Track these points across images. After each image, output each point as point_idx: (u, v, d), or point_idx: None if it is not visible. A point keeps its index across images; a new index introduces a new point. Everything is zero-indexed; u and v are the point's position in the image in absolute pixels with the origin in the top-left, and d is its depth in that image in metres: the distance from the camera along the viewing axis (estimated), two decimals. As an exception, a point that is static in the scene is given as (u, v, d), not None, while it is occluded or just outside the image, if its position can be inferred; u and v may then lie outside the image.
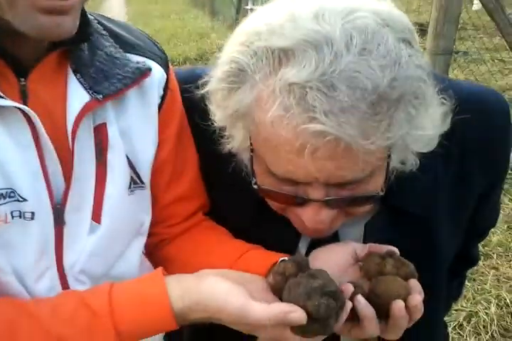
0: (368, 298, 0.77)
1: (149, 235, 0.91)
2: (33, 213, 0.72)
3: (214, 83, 0.78)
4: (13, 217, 0.71)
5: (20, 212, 0.71)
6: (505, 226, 3.07)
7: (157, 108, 0.86)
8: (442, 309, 1.11)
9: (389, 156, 0.76)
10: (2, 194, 0.70)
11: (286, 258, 0.82)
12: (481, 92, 0.95)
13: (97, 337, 0.71)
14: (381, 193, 0.79)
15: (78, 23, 0.71)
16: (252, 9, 6.38)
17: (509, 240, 2.92)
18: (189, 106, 0.91)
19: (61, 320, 0.71)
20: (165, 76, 0.87)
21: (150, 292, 0.74)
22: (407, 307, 0.77)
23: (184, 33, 8.68)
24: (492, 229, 3.07)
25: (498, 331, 2.27)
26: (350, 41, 0.67)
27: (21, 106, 0.70)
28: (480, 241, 1.20)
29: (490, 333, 2.25)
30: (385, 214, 0.91)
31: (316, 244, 0.90)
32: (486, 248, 2.85)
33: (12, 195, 0.71)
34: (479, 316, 2.33)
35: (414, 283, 0.80)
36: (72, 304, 0.72)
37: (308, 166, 0.71)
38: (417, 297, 0.78)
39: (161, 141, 0.87)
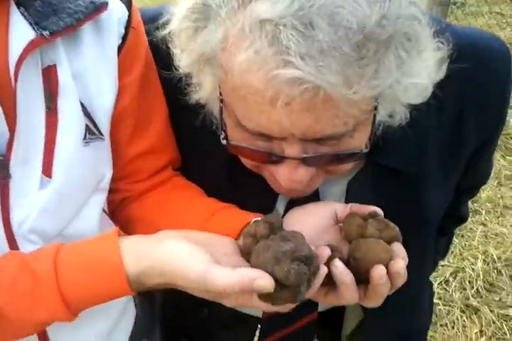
0: (347, 263, 0.71)
1: (112, 192, 0.83)
2: None
3: (176, 22, 0.68)
4: None
5: None
6: (496, 182, 3.03)
7: (117, 49, 0.76)
8: (429, 269, 1.06)
9: (375, 108, 0.67)
10: None
11: (259, 218, 0.74)
12: (482, 38, 0.85)
13: (40, 305, 0.64)
14: (365, 150, 0.70)
15: None
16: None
17: (498, 196, 2.89)
18: (150, 50, 0.81)
19: (0, 286, 0.64)
20: (126, 13, 0.76)
21: (102, 254, 0.66)
22: (388, 273, 0.69)
23: None
24: (481, 185, 3.04)
25: (484, 286, 2.26)
26: None
27: None
28: (470, 198, 1.14)
29: (475, 288, 2.25)
30: (370, 171, 0.83)
31: (295, 203, 0.82)
32: (475, 204, 2.82)
33: None
34: (465, 272, 2.32)
35: (398, 247, 0.72)
36: (13, 268, 0.65)
37: (282, 119, 0.62)
38: (400, 262, 0.70)
39: (122, 86, 0.78)
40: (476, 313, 2.13)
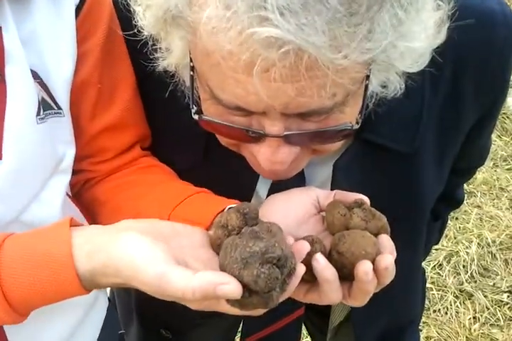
0: (330, 257, 0.62)
1: (74, 173, 0.74)
2: None
3: None
4: None
5: None
6: (491, 163, 2.96)
7: (74, 10, 0.66)
8: (421, 257, 0.99)
9: (367, 77, 0.58)
10: None
11: (234, 205, 0.65)
12: (480, 2, 0.76)
13: None
14: (356, 126, 0.61)
15: None
16: None
17: (494, 178, 2.82)
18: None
19: None
20: None
21: (50, 248, 0.56)
22: (375, 269, 0.61)
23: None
24: (477, 166, 2.98)
25: (478, 270, 2.21)
26: None
27: None
28: (466, 180, 1.07)
29: (469, 273, 2.20)
30: (358, 150, 0.75)
31: (277, 186, 0.73)
32: (470, 186, 2.75)
33: None
34: (460, 255, 2.27)
35: (386, 240, 0.64)
36: None
37: (259, 90, 0.52)
38: (388, 257, 0.61)
39: (81, 54, 0.68)
40: (469, 299, 2.09)
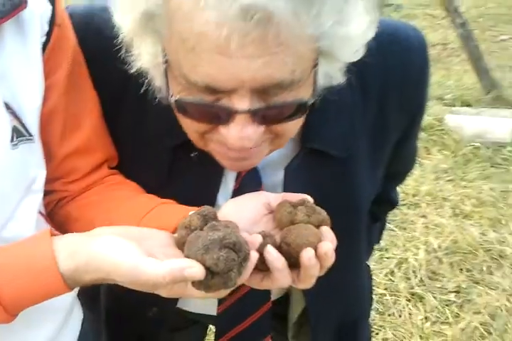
0: (280, 248, 0.73)
1: (47, 193, 0.83)
2: None
3: None
4: None
5: None
6: (433, 176, 3.18)
7: (41, 46, 0.75)
8: (364, 252, 1.12)
9: (316, 65, 0.69)
10: None
11: (193, 212, 0.76)
12: (400, 27, 0.91)
13: None
14: (310, 100, 0.70)
15: None
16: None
17: (437, 189, 3.03)
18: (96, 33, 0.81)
19: None
20: (50, 9, 0.76)
21: (34, 252, 0.66)
22: (317, 254, 0.72)
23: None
24: (420, 179, 3.20)
25: (427, 275, 2.37)
26: None
27: None
28: (398, 184, 1.21)
29: (419, 277, 2.35)
30: (305, 157, 0.87)
31: (237, 195, 0.85)
32: (415, 197, 2.96)
33: None
34: (409, 262, 2.43)
35: (326, 230, 0.75)
36: None
37: (233, 65, 0.61)
38: (328, 244, 0.72)
39: (49, 85, 0.77)
40: (421, 301, 2.24)
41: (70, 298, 0.87)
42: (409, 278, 2.35)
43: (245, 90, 0.64)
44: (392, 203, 1.20)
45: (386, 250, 2.52)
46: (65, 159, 0.83)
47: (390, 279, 2.34)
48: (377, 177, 0.99)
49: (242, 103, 0.65)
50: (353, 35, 0.68)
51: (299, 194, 0.81)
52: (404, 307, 2.19)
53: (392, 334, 2.06)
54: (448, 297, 2.26)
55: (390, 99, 0.90)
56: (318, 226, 0.76)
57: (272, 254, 0.71)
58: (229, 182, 0.90)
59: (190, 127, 0.75)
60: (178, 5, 0.62)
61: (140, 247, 0.65)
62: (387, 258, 2.46)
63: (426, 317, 2.15)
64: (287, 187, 0.88)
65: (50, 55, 0.77)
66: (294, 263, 0.73)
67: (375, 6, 0.72)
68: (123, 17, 0.70)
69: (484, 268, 2.43)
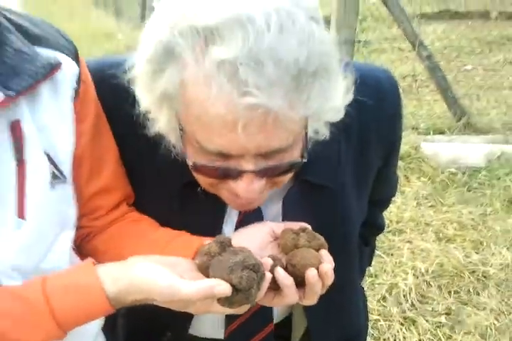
0: (286, 269, 0.86)
1: (76, 228, 0.92)
2: None
3: (140, 67, 0.80)
4: None
5: None
6: (415, 202, 3.30)
7: (72, 101, 0.86)
8: (357, 273, 1.22)
9: (306, 127, 0.83)
10: None
11: (210, 240, 0.87)
12: (372, 70, 1.05)
13: (37, 326, 0.73)
14: (304, 160, 0.86)
15: None
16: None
17: (419, 215, 3.14)
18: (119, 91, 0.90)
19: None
20: (77, 68, 0.87)
21: (82, 279, 0.76)
22: (319, 274, 0.85)
23: (89, 34, 8.43)
24: (403, 206, 3.31)
25: (417, 298, 2.45)
26: (269, 19, 0.71)
27: None
28: (383, 209, 1.33)
29: (410, 301, 2.43)
30: (299, 189, 0.99)
31: (241, 225, 0.97)
32: (399, 224, 3.06)
33: None
34: (399, 287, 2.51)
35: (325, 253, 0.89)
36: (7, 298, 0.74)
37: (240, 139, 0.75)
38: (327, 265, 0.86)
39: (78, 134, 0.88)
40: (413, 324, 2.31)
41: (98, 325, 0.94)
42: (400, 303, 2.43)
43: (250, 155, 0.79)
44: (379, 227, 1.32)
45: (376, 276, 2.60)
46: (90, 198, 0.93)
47: (383, 305, 2.42)
48: (364, 204, 1.11)
49: (248, 165, 0.80)
50: (336, 104, 0.83)
51: (299, 222, 0.94)
52: (398, 332, 2.26)
53: (390, 358, 2.12)
54: (439, 319, 2.33)
55: (369, 135, 1.03)
56: (317, 250, 0.89)
57: (282, 274, 0.84)
58: (232, 215, 1.00)
59: (203, 180, 0.87)
60: (194, 93, 0.75)
61: (173, 271, 0.76)
62: (378, 284, 2.54)
63: (419, 340, 2.21)
64: (286, 216, 1.00)
65: (78, 108, 0.87)
66: (299, 282, 0.86)
67: (350, 71, 0.86)
68: (142, 93, 0.82)
69: (471, 290, 2.52)
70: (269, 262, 0.83)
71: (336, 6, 3.49)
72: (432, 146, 3.79)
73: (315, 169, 0.98)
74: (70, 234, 0.89)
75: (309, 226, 0.93)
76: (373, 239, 1.36)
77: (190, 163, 0.83)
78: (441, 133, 4.14)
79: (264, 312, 1.06)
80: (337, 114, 0.86)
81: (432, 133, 4.11)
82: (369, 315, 2.15)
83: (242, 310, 0.81)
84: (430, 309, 2.40)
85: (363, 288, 1.32)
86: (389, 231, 2.97)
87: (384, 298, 2.45)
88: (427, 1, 8.53)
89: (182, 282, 0.75)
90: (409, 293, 2.47)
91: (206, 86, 0.73)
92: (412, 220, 3.09)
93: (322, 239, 0.90)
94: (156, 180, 0.98)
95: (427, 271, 2.62)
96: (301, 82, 0.74)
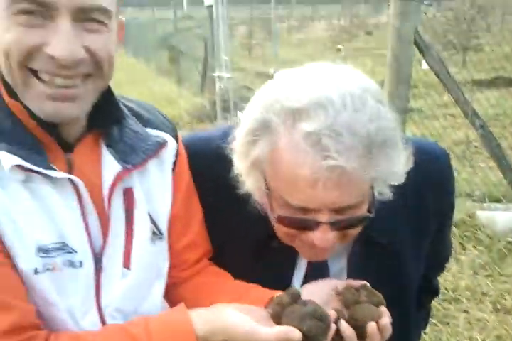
0: (349, 322, 0.96)
1: None
2: (81, 262, 0.89)
3: (238, 139, 0.99)
4: (65, 265, 0.87)
5: (70, 261, 0.88)
6: (471, 271, 3.26)
7: (171, 173, 1.04)
8: (415, 335, 1.31)
9: (373, 187, 0.99)
10: (57, 247, 0.86)
11: (280, 293, 0.99)
12: (426, 144, 1.22)
13: None
14: (371, 215, 0.99)
15: (87, 109, 0.89)
16: (219, 76, 6.74)
17: (475, 284, 3.10)
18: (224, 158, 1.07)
19: None
20: (176, 144, 1.06)
21: (178, 319, 0.90)
22: (378, 327, 0.96)
23: (152, 99, 8.99)
24: (459, 275, 3.28)
25: (474, 370, 2.40)
26: (345, 101, 0.90)
27: (72, 177, 0.88)
28: (439, 273, 1.42)
29: (467, 373, 2.38)
30: (362, 246, 1.12)
31: (308, 278, 1.09)
32: (455, 292, 3.03)
33: (64, 247, 0.87)
34: (455, 358, 2.47)
35: (383, 309, 1.00)
36: (117, 333, 0.88)
37: (319, 195, 0.91)
38: (386, 319, 0.98)
39: (174, 199, 1.05)
40: None
41: None
42: (457, 375, 2.38)
43: (326, 210, 0.94)
44: (434, 291, 1.41)
45: (431, 346, 2.56)
46: (180, 252, 1.08)
47: (438, 376, 2.37)
48: (421, 265, 1.22)
49: (324, 217, 0.95)
50: (399, 169, 0.98)
51: (360, 280, 1.06)
52: None
53: None
54: None
55: (426, 199, 1.16)
56: (376, 306, 0.99)
57: (345, 325, 0.95)
58: (301, 269, 1.13)
59: (283, 232, 1.01)
60: (283, 158, 0.92)
61: (253, 318, 0.89)
62: (433, 354, 2.50)
63: None
64: (350, 271, 1.13)
65: (176, 177, 1.05)
66: (359, 334, 0.96)
67: (408, 143, 1.01)
68: (238, 160, 1.00)
69: (531, 364, 2.44)
70: (334, 314, 0.95)
71: (389, 77, 3.67)
72: (488, 214, 3.77)
73: (377, 227, 1.10)
74: (162, 283, 1.03)
75: (368, 284, 1.04)
76: (428, 302, 1.43)
77: (274, 215, 0.98)
78: (497, 201, 4.11)
79: None
80: (400, 178, 1.00)
81: (486, 200, 4.09)
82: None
83: None
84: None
85: None
86: (444, 300, 2.95)
87: (439, 369, 2.41)
88: (477, 68, 8.68)
89: (261, 327, 0.87)
90: (467, 365, 2.42)
91: (295, 152, 0.91)
92: (468, 289, 3.06)
93: (381, 296, 1.01)
94: (232, 237, 1.12)
95: (484, 342, 2.56)
96: (372, 150, 0.90)
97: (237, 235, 1.12)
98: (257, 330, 0.87)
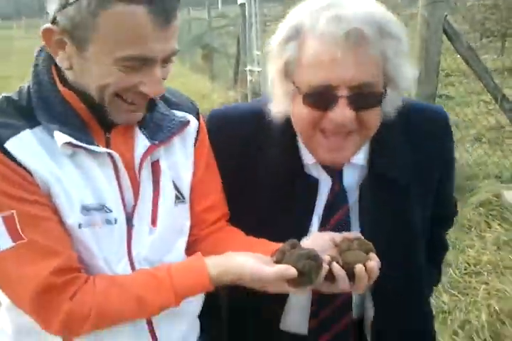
0: (342, 266, 1.12)
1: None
2: (115, 219, 1.09)
3: (274, 44, 1.16)
4: (103, 222, 1.08)
5: (107, 219, 1.08)
6: (495, 247, 3.37)
7: (193, 147, 1.24)
8: (425, 285, 1.40)
9: (384, 79, 1.13)
10: (97, 207, 1.07)
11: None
12: (426, 105, 1.42)
13: (163, 294, 1.06)
14: (385, 93, 1.14)
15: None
16: (251, 70, 6.96)
17: (498, 259, 3.21)
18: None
19: (138, 285, 1.06)
20: (197, 123, 1.25)
21: (194, 264, 1.10)
22: (366, 269, 1.10)
23: (188, 94, 9.22)
24: (482, 251, 3.39)
25: (490, 335, 2.54)
26: (363, 5, 1.11)
27: (110, 151, 1.08)
28: (447, 228, 1.53)
29: (482, 338, 2.52)
30: (371, 180, 1.25)
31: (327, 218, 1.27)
32: (477, 266, 3.15)
33: (103, 207, 1.08)
34: (472, 323, 2.61)
35: (373, 255, 1.14)
36: (144, 275, 1.08)
37: (339, 71, 1.06)
38: (373, 263, 1.10)
39: (195, 169, 1.24)
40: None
41: (199, 305, 1.26)
42: (472, 338, 2.52)
43: (346, 86, 1.09)
44: (442, 245, 1.52)
45: (449, 313, 2.71)
46: (199, 213, 1.27)
47: (454, 339, 2.52)
48: (426, 212, 1.33)
49: (343, 91, 1.09)
50: (407, 77, 1.15)
51: (354, 232, 1.22)
52: (469, 364, 2.35)
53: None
54: (511, 355, 2.40)
55: (430, 148, 1.30)
56: (366, 253, 1.15)
57: (337, 267, 1.11)
58: (321, 204, 1.28)
59: (305, 117, 1.14)
60: (305, 46, 1.12)
61: (260, 260, 1.08)
62: (451, 320, 2.65)
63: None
64: (361, 205, 1.26)
65: (197, 151, 1.25)
66: (350, 275, 1.12)
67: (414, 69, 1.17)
68: (271, 65, 1.19)
69: (547, 329, 2.56)
70: (327, 258, 1.11)
71: (419, 65, 3.78)
72: (514, 194, 3.85)
73: (386, 163, 1.25)
74: (184, 239, 1.23)
75: (361, 235, 1.19)
76: (438, 257, 1.52)
77: (301, 98, 1.12)
78: (525, 182, 4.18)
79: (342, 309, 1.31)
80: (405, 85, 1.16)
81: (515, 182, 4.16)
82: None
83: (304, 291, 1.10)
84: (502, 344, 2.47)
85: (430, 293, 1.49)
86: (466, 273, 3.07)
87: (456, 333, 2.56)
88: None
89: (265, 267, 1.06)
90: (482, 330, 2.55)
91: (318, 35, 1.07)
92: (490, 263, 3.17)
93: (371, 244, 1.16)
94: (258, 188, 1.28)
95: (502, 310, 2.69)
96: (385, 30, 1.08)
97: (259, 188, 1.26)
98: (261, 269, 1.05)
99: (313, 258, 1.06)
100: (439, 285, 2.89)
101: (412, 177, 1.27)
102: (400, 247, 1.22)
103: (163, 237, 1.15)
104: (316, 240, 1.20)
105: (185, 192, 1.21)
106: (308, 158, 1.26)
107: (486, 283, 2.97)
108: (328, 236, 1.21)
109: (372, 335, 1.37)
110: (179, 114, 1.21)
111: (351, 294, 1.29)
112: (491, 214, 3.69)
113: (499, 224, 3.62)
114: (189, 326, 1.24)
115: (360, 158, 1.25)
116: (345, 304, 1.30)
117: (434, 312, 1.49)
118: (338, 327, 1.32)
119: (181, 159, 1.21)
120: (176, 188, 1.19)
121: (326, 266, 1.09)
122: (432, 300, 1.74)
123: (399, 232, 1.22)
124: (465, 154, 4.84)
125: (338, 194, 1.26)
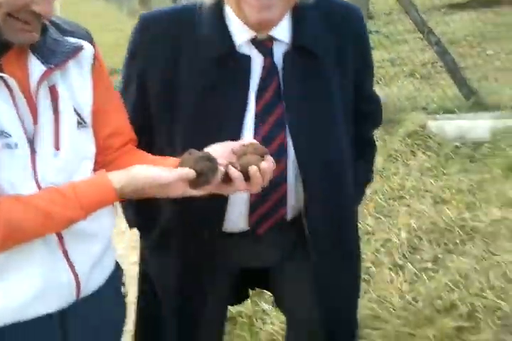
0: (237, 169, 1.23)
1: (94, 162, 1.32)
2: (16, 144, 1.14)
3: None
4: (3, 147, 1.12)
5: (7, 143, 1.13)
6: (419, 173, 3.60)
7: (90, 71, 1.29)
8: (351, 183, 1.48)
9: None
10: None
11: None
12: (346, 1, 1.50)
13: (69, 208, 1.14)
14: None
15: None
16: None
17: (420, 184, 3.45)
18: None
19: (45, 201, 1.13)
20: (93, 50, 1.29)
21: (98, 179, 1.18)
22: (260, 171, 1.22)
23: (126, 42, 8.98)
24: (406, 177, 3.60)
25: (408, 250, 2.78)
26: None
27: (4, 75, 1.12)
28: (374, 126, 1.61)
29: (401, 253, 2.76)
30: (291, 51, 1.35)
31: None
32: (401, 191, 3.38)
33: (2, 133, 1.12)
34: (392, 241, 2.84)
35: (267, 157, 1.25)
36: (50, 193, 1.15)
37: None
38: (265, 164, 1.20)
39: (95, 95, 1.30)
40: (401, 269, 2.63)
41: (111, 226, 1.36)
42: (392, 254, 2.76)
43: None
44: (371, 143, 1.61)
45: (373, 234, 2.94)
46: (104, 139, 1.34)
47: (376, 255, 2.76)
48: (348, 94, 1.42)
49: None
50: None
51: (250, 139, 1.32)
52: (386, 275, 2.59)
53: (376, 295, 2.47)
54: (425, 265, 2.65)
55: (347, 36, 1.39)
56: (262, 156, 1.26)
57: (232, 169, 1.22)
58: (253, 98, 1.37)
59: None
60: None
61: (158, 168, 1.18)
62: (374, 240, 2.87)
63: (405, 281, 2.54)
64: (284, 77, 1.35)
65: (94, 76, 1.31)
66: (246, 177, 1.23)
67: None
68: None
69: (458, 241, 2.82)
70: (224, 162, 1.22)
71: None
72: (438, 123, 4.06)
73: (307, 35, 1.34)
74: (90, 163, 1.29)
75: (256, 141, 1.29)
76: (367, 156, 1.59)
77: None
78: (451, 113, 4.39)
79: (278, 205, 1.42)
80: None
81: (440, 113, 4.37)
82: (362, 263, 2.50)
83: (204, 190, 1.21)
84: (419, 257, 2.72)
85: (357, 215, 1.58)
86: (390, 198, 3.30)
87: (377, 250, 2.79)
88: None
89: (163, 172, 1.15)
90: (401, 246, 2.79)
91: None
92: (413, 189, 3.40)
93: (265, 149, 1.27)
94: (193, 57, 1.35)
95: (420, 228, 2.93)
96: None
97: (193, 57, 1.36)
98: (159, 173, 1.14)
99: (210, 160, 1.17)
100: (364, 210, 3.11)
101: (331, 46, 1.39)
102: (321, 118, 1.34)
103: (68, 161, 1.22)
104: (216, 149, 1.30)
105: (87, 117, 1.27)
106: (239, 38, 1.34)
107: (408, 206, 3.20)
108: (227, 145, 1.31)
109: (309, 226, 1.46)
110: (72, 40, 1.26)
111: (285, 190, 1.40)
112: (416, 144, 3.90)
113: (423, 153, 3.84)
114: (103, 246, 1.35)
115: (286, 36, 1.36)
116: (279, 200, 1.42)
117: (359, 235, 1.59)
118: (276, 218, 1.45)
119: (79, 83, 1.26)
120: (77, 113, 1.25)
121: (222, 169, 1.20)
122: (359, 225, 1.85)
123: (319, 101, 1.34)
124: (396, 89, 5.02)
125: (270, 70, 1.37)
